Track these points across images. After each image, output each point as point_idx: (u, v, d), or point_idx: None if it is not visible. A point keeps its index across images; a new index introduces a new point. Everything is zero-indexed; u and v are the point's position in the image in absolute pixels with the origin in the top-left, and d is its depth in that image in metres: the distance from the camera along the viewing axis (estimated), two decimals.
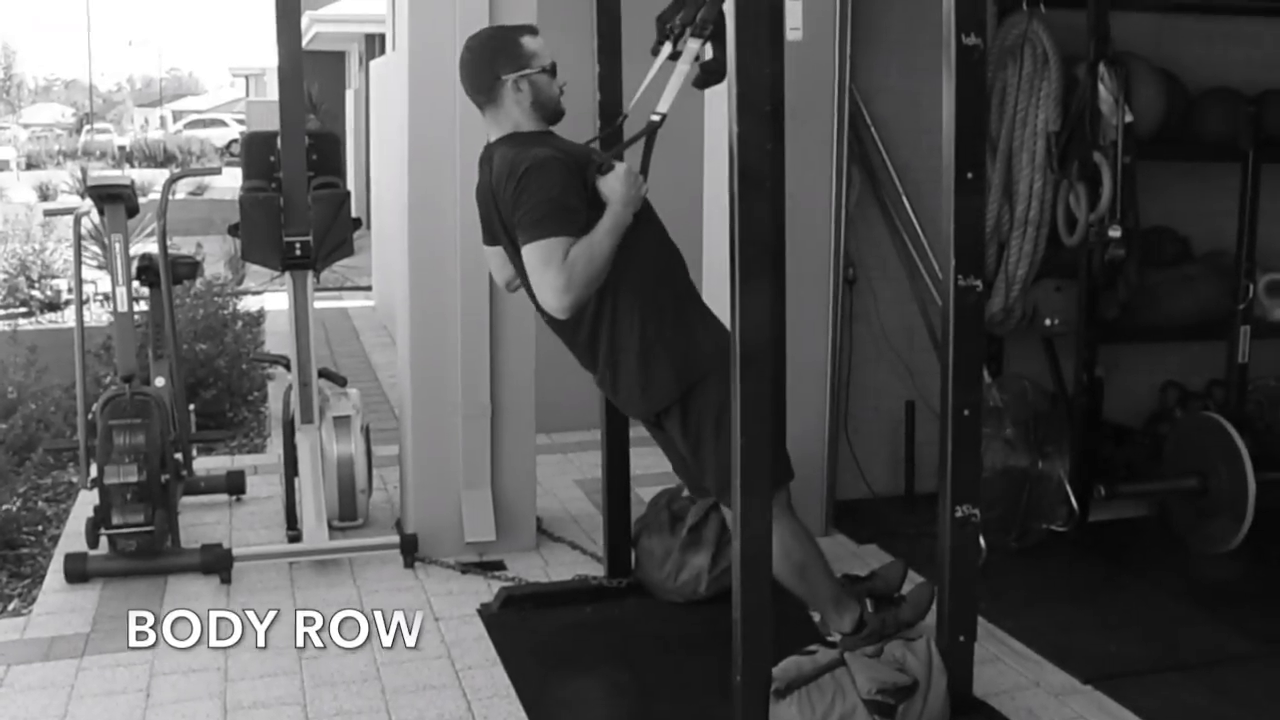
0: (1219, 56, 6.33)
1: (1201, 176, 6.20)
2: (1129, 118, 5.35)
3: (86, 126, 53.53)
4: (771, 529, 3.46)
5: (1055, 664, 4.34)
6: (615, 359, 4.02)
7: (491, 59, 4.02)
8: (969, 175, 3.54)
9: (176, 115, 63.02)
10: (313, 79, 20.89)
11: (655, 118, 4.05)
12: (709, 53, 4.03)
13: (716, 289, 4.20)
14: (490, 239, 4.22)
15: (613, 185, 3.87)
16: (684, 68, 4.02)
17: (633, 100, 4.30)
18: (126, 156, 39.05)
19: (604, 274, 3.83)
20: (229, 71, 74.38)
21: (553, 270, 3.75)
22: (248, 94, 48.29)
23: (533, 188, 3.80)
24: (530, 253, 3.80)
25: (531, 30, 4.12)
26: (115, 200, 5.44)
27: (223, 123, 49.18)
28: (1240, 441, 5.40)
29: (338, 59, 23.75)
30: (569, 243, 3.76)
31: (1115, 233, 5.35)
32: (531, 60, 4.00)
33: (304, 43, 21.29)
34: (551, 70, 4.03)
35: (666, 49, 4.11)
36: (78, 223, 5.90)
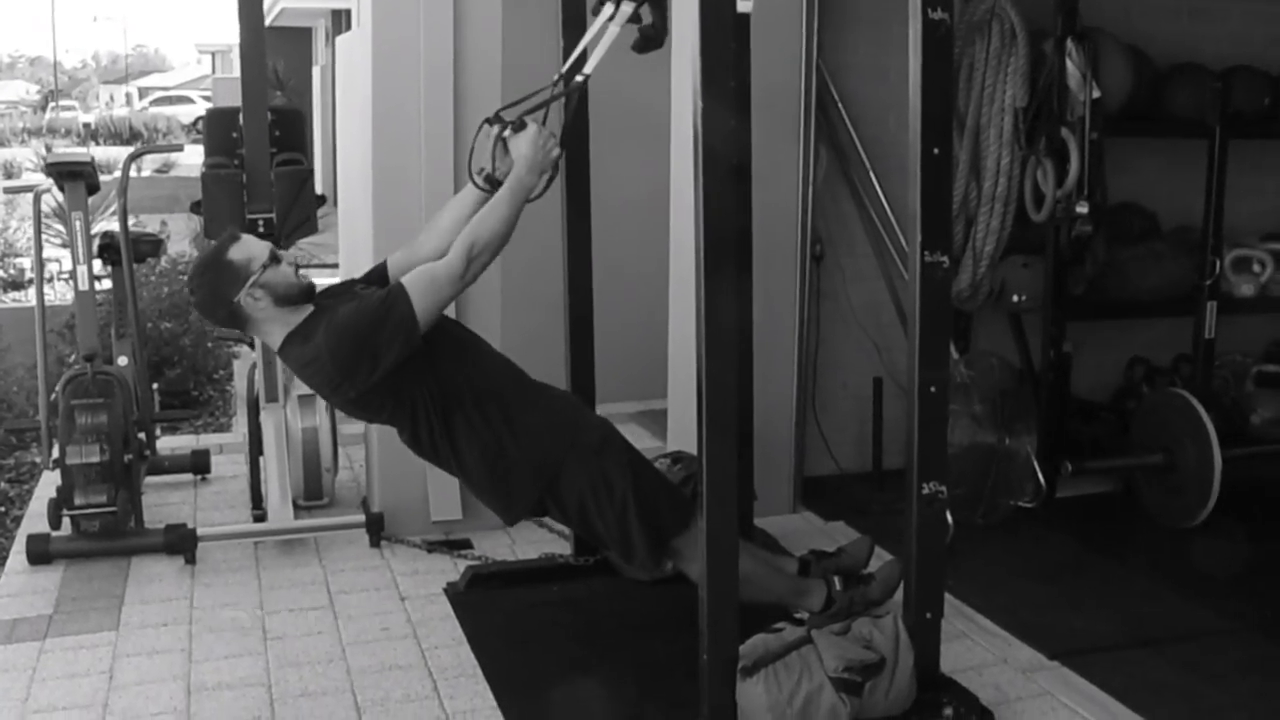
0: (1186, 32, 6.35)
1: (1169, 152, 6.22)
2: (1096, 93, 5.35)
3: (51, 104, 53.08)
4: (735, 510, 3.45)
5: (1022, 640, 4.35)
6: (471, 480, 4.03)
7: (214, 293, 3.84)
8: (935, 151, 3.52)
9: (142, 92, 62.52)
10: (279, 56, 20.79)
11: (579, 79, 4.01)
12: (649, 17, 3.99)
13: (684, 274, 4.19)
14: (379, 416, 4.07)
15: (520, 147, 3.83)
16: (614, 29, 3.97)
17: (565, 64, 4.24)
18: (92, 134, 38.68)
19: (507, 237, 3.77)
20: (195, 48, 73.91)
21: (440, 277, 3.72)
22: (214, 70, 47.94)
23: (354, 335, 3.69)
24: (422, 307, 3.68)
25: (233, 238, 3.90)
26: (75, 178, 5.39)
27: (189, 99, 48.75)
28: (1206, 417, 5.42)
29: (304, 35, 23.61)
30: (412, 276, 3.72)
31: (1083, 209, 5.36)
32: (249, 266, 3.80)
33: (270, 19, 21.14)
34: (272, 258, 3.84)
35: (607, 10, 4.05)
36: (38, 200, 5.83)
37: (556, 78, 4.27)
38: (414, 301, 3.67)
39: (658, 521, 3.89)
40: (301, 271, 3.91)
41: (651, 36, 3.99)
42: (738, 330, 3.51)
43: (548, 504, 3.99)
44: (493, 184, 4.00)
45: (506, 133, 3.87)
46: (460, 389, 3.86)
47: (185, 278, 3.92)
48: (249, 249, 3.85)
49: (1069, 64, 5.35)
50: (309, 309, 3.87)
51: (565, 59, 4.54)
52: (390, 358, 3.69)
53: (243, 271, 3.79)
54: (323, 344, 3.72)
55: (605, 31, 4.00)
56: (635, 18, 4.00)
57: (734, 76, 3.36)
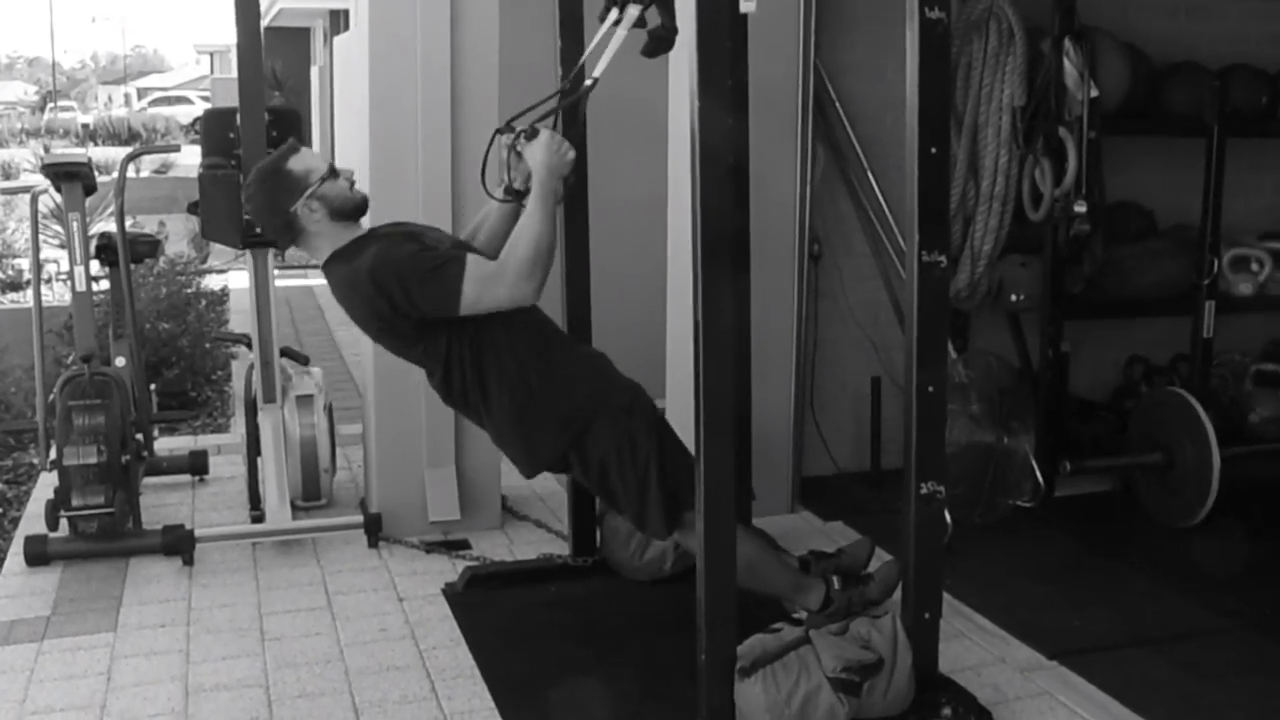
0: (1184, 31, 6.34)
1: (1167, 151, 6.21)
2: (1094, 92, 5.35)
3: (50, 104, 53.06)
4: (734, 510, 3.45)
5: (1021, 640, 4.34)
6: (496, 427, 4.03)
7: (272, 201, 3.92)
8: (932, 151, 3.52)
9: (141, 93, 62.54)
10: (277, 56, 20.79)
11: (588, 83, 4.01)
12: (654, 20, 3.99)
13: (682, 274, 4.18)
14: (400, 349, 4.08)
15: (535, 153, 3.84)
16: (622, 33, 3.96)
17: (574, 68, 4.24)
18: (90, 134, 38.69)
19: (553, 243, 3.80)
20: (194, 48, 73.96)
21: (493, 282, 3.74)
22: (212, 71, 47.97)
23: (396, 273, 3.74)
24: (468, 296, 3.73)
25: (293, 149, 3.99)
26: (72, 178, 5.38)
27: (188, 100, 48.75)
28: (1205, 416, 5.41)
29: (303, 35, 23.61)
30: (472, 260, 3.75)
31: (1080, 208, 5.36)
32: (308, 178, 3.88)
33: (268, 20, 21.15)
34: (331, 172, 3.92)
35: (614, 15, 4.05)
36: (35, 201, 5.83)
37: (564, 82, 4.28)
38: (466, 283, 3.71)
39: (677, 490, 3.87)
40: (356, 187, 3.98)
41: (663, 38, 3.96)
42: (735, 330, 3.50)
43: (571, 459, 3.99)
44: (512, 193, 4.01)
45: (519, 141, 3.87)
46: (497, 336, 3.87)
47: (245, 187, 3.98)
48: (308, 161, 3.95)
49: (1067, 63, 5.35)
50: (360, 230, 3.98)
51: (562, 58, 4.55)
52: (418, 312, 3.76)
53: (301, 182, 3.88)
54: (366, 269, 3.77)
55: (612, 36, 4.00)
56: (641, 21, 4.00)
57: (731, 76, 3.35)
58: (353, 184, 3.97)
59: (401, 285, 3.73)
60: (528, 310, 3.95)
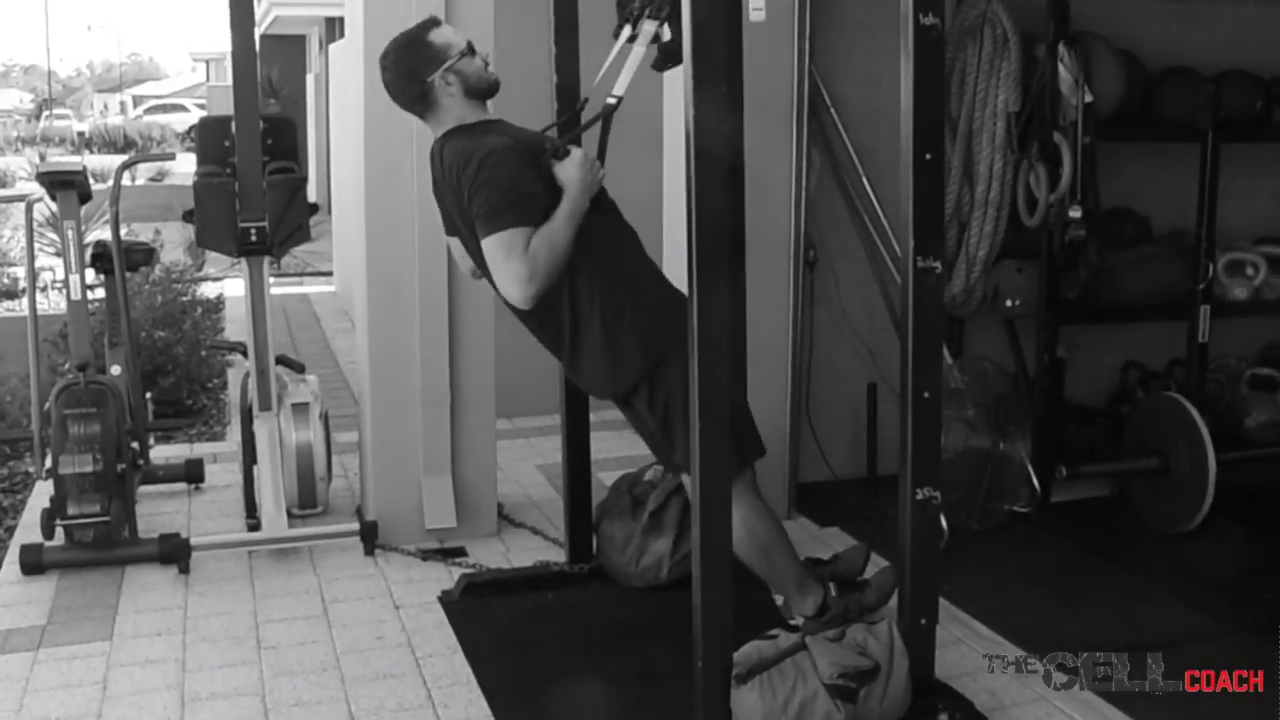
0: (1178, 36, 6.35)
1: (1161, 156, 6.23)
2: (1089, 98, 5.36)
3: (45, 112, 52.96)
4: (731, 516, 3.45)
5: (1017, 645, 4.34)
6: (579, 343, 4.00)
7: (410, 69, 3.99)
8: (927, 156, 3.52)
9: (137, 100, 62.42)
10: (273, 63, 20.79)
11: (611, 100, 4.03)
12: (667, 34, 4.00)
13: (677, 278, 4.18)
14: (452, 229, 4.19)
15: (569, 171, 3.86)
16: (640, 50, 4.01)
17: (593, 84, 4.26)
18: (86, 142, 38.65)
19: (565, 261, 3.81)
20: (189, 56, 73.83)
21: (514, 261, 3.74)
22: (208, 78, 47.96)
23: (488, 178, 3.78)
24: (490, 245, 3.78)
25: (435, 23, 4.09)
26: (67, 187, 5.37)
27: (183, 108, 48.66)
28: (1201, 421, 5.42)
29: (298, 43, 23.59)
30: (528, 233, 3.75)
31: (1075, 213, 5.37)
32: (447, 51, 3.98)
33: (264, 27, 21.10)
34: (470, 49, 4.02)
35: (626, 31, 4.09)
36: (30, 209, 5.83)
37: (584, 99, 4.31)
38: (496, 239, 3.76)
39: (735, 444, 3.78)
40: (490, 69, 4.08)
41: (673, 51, 3.98)
42: (730, 333, 3.50)
43: (641, 389, 3.97)
44: None
45: (550, 160, 3.89)
46: (593, 246, 3.90)
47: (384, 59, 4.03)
48: (448, 35, 4.05)
49: (1061, 68, 5.36)
50: (485, 113, 4.05)
51: (556, 63, 4.56)
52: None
53: (441, 54, 3.98)
54: (481, 159, 3.81)
55: (629, 53, 4.03)
56: (655, 36, 4.02)
57: (727, 83, 3.35)
58: (488, 64, 4.06)
59: (489, 191, 3.78)
60: (620, 223, 4.05)
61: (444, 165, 4.00)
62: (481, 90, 4.04)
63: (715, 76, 3.29)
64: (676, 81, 3.84)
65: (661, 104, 5.14)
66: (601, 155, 4.05)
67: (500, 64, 5.15)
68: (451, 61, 3.97)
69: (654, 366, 3.93)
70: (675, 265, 4.64)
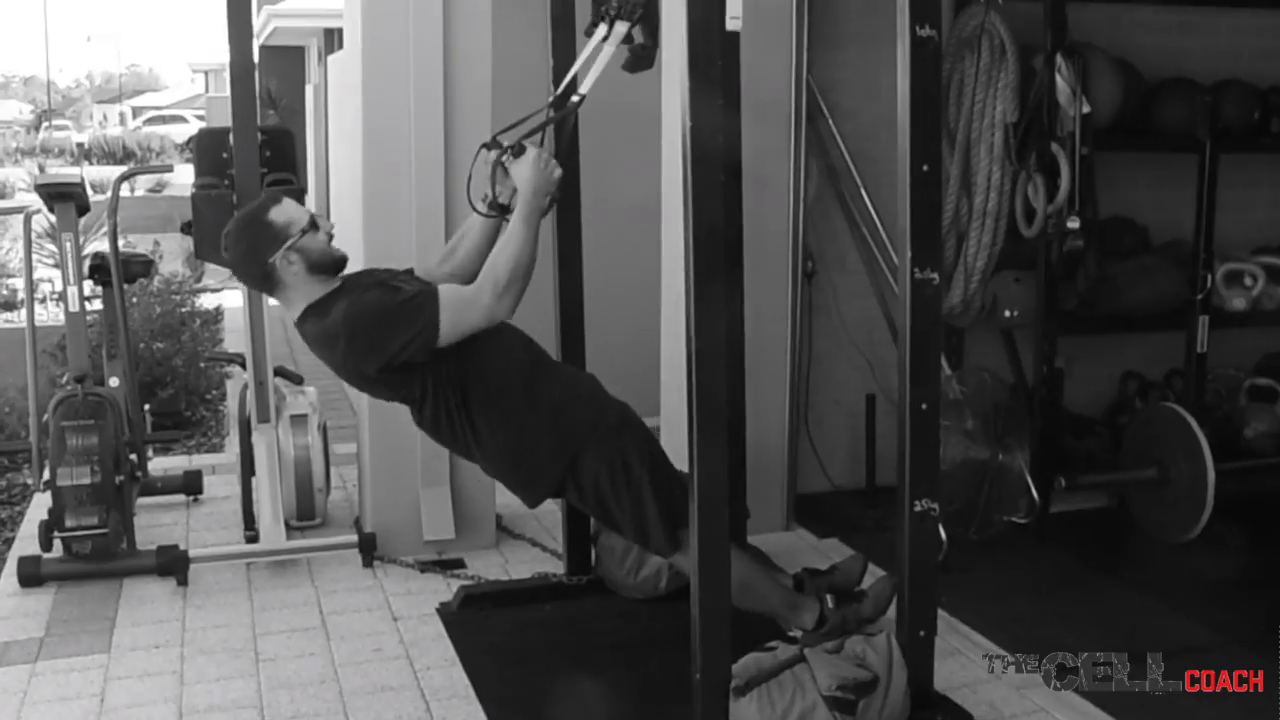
0: (1176, 47, 6.36)
1: (1159, 167, 6.23)
2: (1086, 108, 5.35)
3: (45, 123, 52.98)
4: (727, 528, 3.44)
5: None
6: (490, 464, 4.04)
7: (252, 248, 3.88)
8: (924, 168, 3.52)
9: (136, 111, 62.47)
10: (272, 74, 20.77)
11: (575, 99, 4.02)
12: (639, 36, 4.00)
13: (676, 290, 4.18)
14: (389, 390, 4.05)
15: (522, 171, 3.85)
16: (609, 49, 3.98)
17: (562, 84, 4.24)
18: (85, 153, 38.67)
19: (532, 262, 3.80)
20: (189, 67, 73.88)
21: (470, 305, 3.74)
22: (207, 89, 47.97)
23: (371, 325, 3.74)
24: (446, 323, 3.73)
25: (274, 200, 3.97)
26: (65, 198, 5.38)
27: (183, 119, 48.70)
28: (1199, 431, 5.41)
29: (297, 54, 23.58)
30: (447, 290, 3.76)
31: (1074, 224, 5.36)
32: (288, 229, 3.85)
33: (263, 38, 21.07)
34: (311, 225, 3.89)
35: (601, 30, 4.06)
36: (28, 221, 5.83)
37: (551, 99, 4.27)
38: (442, 315, 3.71)
39: (673, 505, 3.84)
40: (335, 243, 3.96)
41: (642, 55, 3.99)
42: (728, 341, 3.50)
43: (567, 485, 3.98)
44: (496, 209, 4.01)
45: (505, 157, 3.87)
46: (481, 368, 3.87)
47: (224, 236, 3.97)
48: (289, 212, 3.91)
49: (1059, 79, 5.35)
50: (335, 284, 3.92)
51: (554, 61, 4.55)
52: (403, 357, 3.74)
53: (281, 233, 3.85)
54: (341, 323, 3.76)
55: (600, 52, 4.01)
56: (628, 38, 4.01)
57: (723, 93, 3.35)
58: (331, 238, 3.92)
59: (378, 337, 3.73)
60: (507, 339, 3.96)
61: (322, 355, 3.95)
62: (326, 266, 3.89)
63: (711, 89, 3.29)
64: (674, 94, 3.85)
65: (657, 106, 5.14)
66: (559, 154, 4.03)
67: (498, 74, 5.19)
68: (292, 240, 3.83)
69: (571, 462, 3.93)
70: (674, 277, 4.66)
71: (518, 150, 3.86)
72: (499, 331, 3.93)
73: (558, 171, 3.92)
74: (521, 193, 3.83)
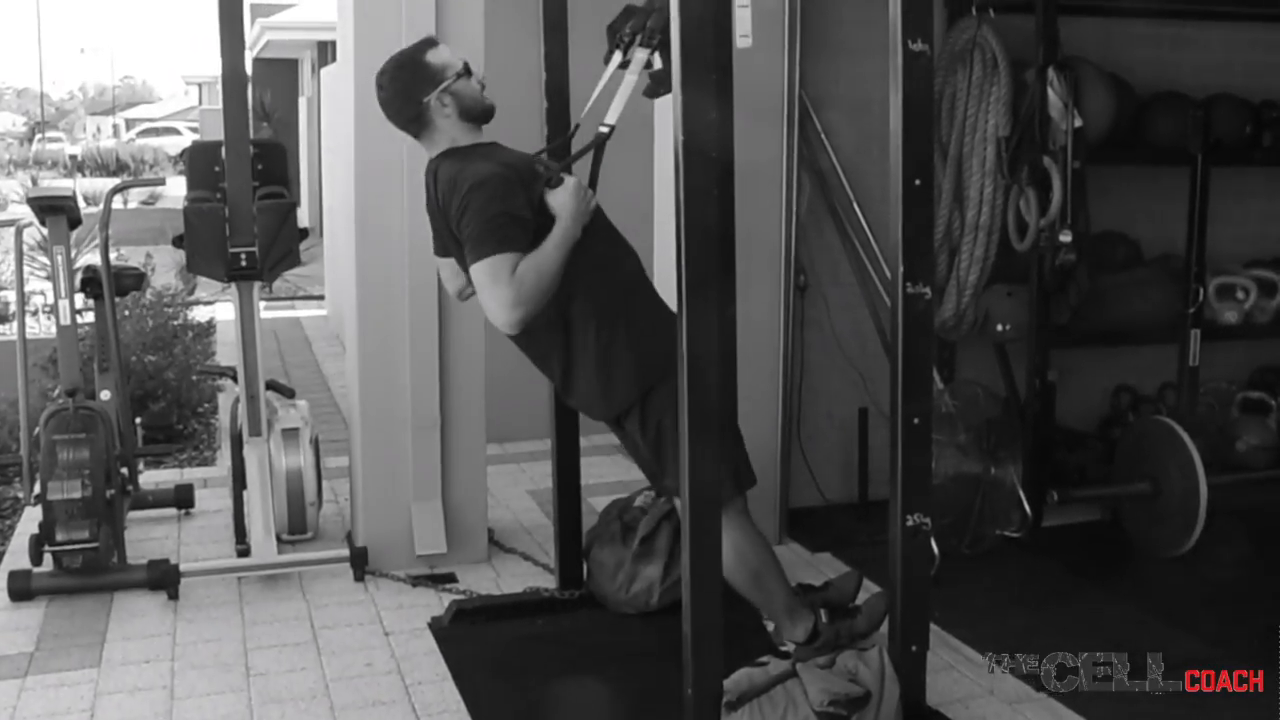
0: (1167, 61, 6.37)
1: (1151, 180, 6.24)
2: (1078, 122, 5.37)
3: (38, 135, 52.99)
4: (721, 541, 3.43)
5: (1009, 671, 4.32)
6: (572, 364, 4.01)
7: (407, 88, 3.99)
8: (917, 182, 3.53)
9: (129, 123, 62.46)
10: (266, 86, 20.79)
11: (604, 129, 4.04)
12: (659, 62, 4.01)
13: (668, 291, 4.17)
14: (442, 250, 4.19)
15: (562, 200, 3.86)
16: (632, 78, 4.02)
17: (584, 110, 4.26)
18: (78, 165, 38.65)
19: (554, 288, 3.81)
20: (182, 79, 73.84)
21: (500, 287, 3.74)
22: (201, 102, 47.94)
23: (477, 204, 3.78)
24: (477, 270, 3.78)
25: (432, 43, 4.11)
26: (56, 212, 5.37)
27: (176, 131, 48.70)
28: (1192, 445, 5.41)
29: (291, 66, 23.60)
30: (516, 258, 3.74)
31: (1066, 238, 5.37)
32: (444, 72, 3.98)
33: (257, 50, 21.07)
34: (466, 71, 4.03)
35: (617, 58, 4.09)
36: (19, 234, 5.82)
37: (575, 126, 4.30)
38: (483, 265, 3.77)
39: (728, 469, 3.80)
40: (486, 92, 4.07)
41: (663, 79, 3.99)
42: (721, 359, 3.49)
43: (633, 412, 3.98)
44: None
45: (545, 189, 3.89)
46: (589, 269, 3.91)
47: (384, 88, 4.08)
48: (445, 56, 4.04)
49: (1051, 93, 5.37)
50: (479, 136, 4.05)
51: (547, 75, 4.56)
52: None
53: (438, 75, 3.98)
54: (470, 180, 3.83)
55: (624, 80, 4.05)
56: (647, 63, 4.03)
57: (716, 107, 3.34)
58: (483, 87, 4.06)
59: (465, 215, 3.81)
60: (624, 247, 4.07)
61: (437, 187, 4.01)
62: (476, 113, 4.04)
63: (704, 103, 3.28)
64: (667, 105, 3.85)
65: (650, 112, 5.14)
66: (593, 183, 4.05)
67: (491, 78, 5.17)
68: (448, 83, 3.97)
69: (647, 389, 3.93)
70: (666, 281, 4.64)
71: (557, 181, 3.89)
72: (617, 240, 4.07)
73: (594, 201, 3.97)
74: (560, 220, 3.85)
